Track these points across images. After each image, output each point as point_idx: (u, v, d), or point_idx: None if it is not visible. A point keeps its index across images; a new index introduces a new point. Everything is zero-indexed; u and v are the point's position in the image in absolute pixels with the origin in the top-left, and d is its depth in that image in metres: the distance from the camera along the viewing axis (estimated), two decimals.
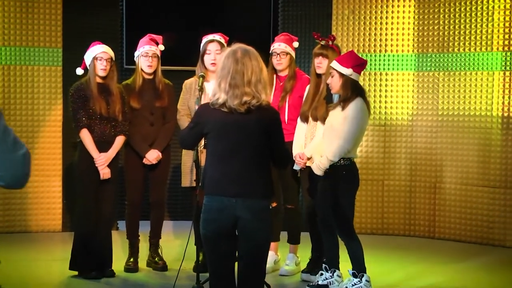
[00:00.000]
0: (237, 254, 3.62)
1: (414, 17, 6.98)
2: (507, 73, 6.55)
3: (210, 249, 3.59)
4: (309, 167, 5.13)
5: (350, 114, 4.67)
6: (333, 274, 4.95)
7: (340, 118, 4.71)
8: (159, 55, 5.57)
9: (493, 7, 6.59)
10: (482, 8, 6.63)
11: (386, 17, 7.02)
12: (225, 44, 5.38)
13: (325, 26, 7.16)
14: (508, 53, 6.54)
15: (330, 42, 5.18)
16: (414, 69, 7.03)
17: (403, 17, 7.00)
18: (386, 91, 7.07)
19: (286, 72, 5.52)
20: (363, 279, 4.79)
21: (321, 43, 5.21)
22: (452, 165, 6.84)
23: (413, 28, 6.99)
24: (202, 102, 5.05)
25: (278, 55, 5.48)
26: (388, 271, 5.69)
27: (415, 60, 7.01)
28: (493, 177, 6.63)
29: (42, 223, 6.90)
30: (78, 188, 5.36)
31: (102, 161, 5.25)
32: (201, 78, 5.19)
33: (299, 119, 5.31)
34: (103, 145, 5.28)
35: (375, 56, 7.04)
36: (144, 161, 5.54)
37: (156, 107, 5.54)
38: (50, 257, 6.03)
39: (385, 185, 7.11)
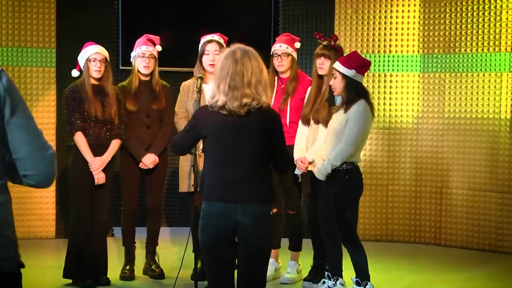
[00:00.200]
0: (236, 261, 3.62)
1: (419, 16, 6.99)
2: None
3: (209, 257, 3.59)
4: (310, 172, 5.13)
5: (352, 117, 4.67)
6: (336, 282, 4.95)
7: (342, 121, 4.72)
8: (156, 56, 5.58)
9: (501, 6, 6.59)
10: (489, 7, 6.64)
11: (391, 17, 7.03)
12: (224, 45, 5.38)
13: (328, 26, 7.17)
14: None
15: (333, 42, 5.18)
16: (419, 70, 7.03)
17: (408, 16, 7.01)
18: (390, 93, 7.07)
19: (288, 74, 5.53)
20: (367, 287, 4.79)
21: (323, 43, 5.21)
22: (459, 170, 6.84)
23: (418, 28, 6.99)
24: (201, 104, 5.07)
25: (279, 57, 5.49)
26: (392, 279, 5.69)
27: (420, 61, 7.02)
28: (502, 182, 6.63)
29: (35, 229, 6.90)
30: (72, 193, 5.36)
31: (97, 165, 5.26)
32: (199, 80, 5.19)
33: (300, 122, 5.31)
34: (98, 149, 5.29)
35: (379, 57, 7.04)
36: (141, 165, 5.54)
37: (153, 109, 5.54)
38: (44, 264, 6.03)
39: (389, 190, 7.11)
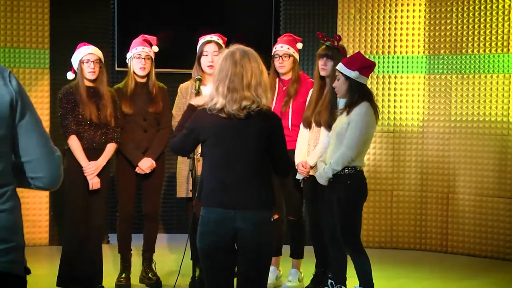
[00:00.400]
0: (236, 269, 3.63)
1: (425, 16, 7.00)
2: None
3: (208, 264, 3.60)
4: (312, 177, 5.14)
5: (353, 119, 4.68)
6: None
7: (344, 124, 4.73)
8: (153, 57, 5.59)
9: (509, 5, 6.60)
10: (497, 6, 6.65)
11: (395, 16, 7.04)
12: (223, 45, 5.39)
13: (330, 26, 7.18)
14: None
15: (335, 43, 5.19)
16: (425, 72, 7.04)
17: (414, 16, 7.02)
18: (395, 95, 7.08)
19: (289, 76, 5.54)
20: None
21: (326, 44, 5.22)
22: (466, 174, 6.85)
23: (424, 28, 7.01)
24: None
25: (281, 58, 5.50)
26: None
27: (426, 62, 7.03)
28: (510, 187, 6.64)
29: (28, 236, 6.90)
30: (66, 199, 5.36)
31: (92, 170, 5.26)
32: (197, 82, 5.20)
33: (301, 125, 5.32)
34: (93, 153, 5.29)
35: (383, 58, 7.06)
36: (137, 170, 5.55)
37: (150, 112, 5.55)
38: (37, 272, 5.98)
39: (394, 196, 7.12)
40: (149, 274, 5.63)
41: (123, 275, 5.58)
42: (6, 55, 6.81)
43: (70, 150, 5.28)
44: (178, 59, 7.32)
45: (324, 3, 7.28)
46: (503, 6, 6.63)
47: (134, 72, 5.56)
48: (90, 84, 5.31)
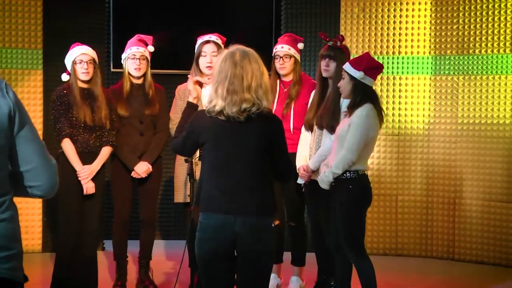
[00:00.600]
0: (235, 277, 3.63)
1: (430, 15, 7.01)
2: None
3: (206, 272, 3.60)
4: (314, 181, 5.14)
5: (354, 121, 4.69)
6: None
7: (346, 126, 4.73)
8: (149, 57, 5.59)
9: None
10: (506, 5, 6.66)
11: (400, 16, 7.05)
12: (222, 46, 5.40)
13: (333, 26, 7.18)
14: None
15: (338, 43, 5.20)
16: (431, 73, 7.05)
17: (419, 16, 7.03)
18: (400, 96, 7.09)
19: (291, 77, 5.55)
20: None
21: (328, 44, 5.23)
22: (473, 179, 6.85)
23: (430, 27, 7.01)
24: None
25: (281, 59, 5.51)
26: None
27: (432, 62, 7.03)
28: None
29: None
30: (59, 204, 5.36)
31: (86, 174, 5.27)
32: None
33: (303, 128, 5.33)
34: (87, 157, 5.30)
35: (387, 58, 7.06)
36: (133, 174, 5.55)
37: (146, 115, 5.56)
38: (30, 280, 6.02)
39: (399, 201, 7.12)
40: (146, 282, 5.62)
41: (119, 283, 5.58)
42: None
43: (64, 154, 5.28)
44: (175, 59, 7.33)
45: (326, 2, 7.29)
46: None
47: (129, 73, 5.57)
48: (84, 86, 5.32)
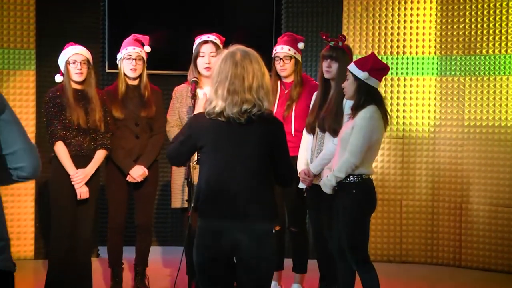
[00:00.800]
0: (235, 284, 3.62)
1: (436, 14, 7.01)
2: None
3: (205, 279, 3.60)
4: (316, 185, 5.13)
5: (357, 124, 4.69)
6: None
7: (349, 128, 4.73)
8: (145, 58, 5.60)
9: None
10: None
11: (405, 15, 7.05)
12: (221, 46, 5.40)
13: (335, 25, 7.19)
14: None
15: (340, 43, 5.20)
16: (437, 74, 7.05)
17: (424, 14, 7.03)
18: (404, 98, 7.09)
19: (292, 78, 5.55)
20: None
21: (330, 44, 5.23)
22: (480, 183, 6.85)
23: (435, 27, 7.01)
24: (195, 111, 5.08)
25: (281, 60, 5.51)
26: None
27: (437, 63, 7.03)
28: None
29: (12, 249, 6.83)
30: (52, 209, 5.36)
31: (80, 178, 5.26)
32: (194, 84, 5.21)
33: (304, 131, 5.33)
34: (81, 160, 5.29)
35: (391, 58, 7.06)
36: (128, 178, 5.55)
37: (142, 117, 5.56)
38: None
39: (403, 206, 7.12)
40: None
41: None
42: None
43: (57, 158, 5.28)
44: (172, 60, 7.33)
45: (328, 1, 7.29)
46: None
47: (124, 74, 5.57)
48: (78, 87, 5.32)
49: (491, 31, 6.77)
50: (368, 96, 4.73)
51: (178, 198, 5.43)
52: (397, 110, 7.07)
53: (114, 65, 6.12)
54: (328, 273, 5.33)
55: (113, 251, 5.65)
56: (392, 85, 7.09)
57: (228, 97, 3.50)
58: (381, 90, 6.91)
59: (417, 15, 7.03)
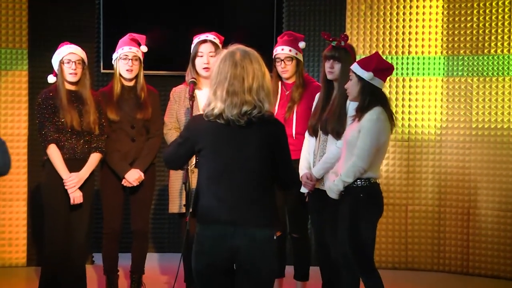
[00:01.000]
0: None
1: (443, 13, 7.01)
2: None
3: (203, 287, 3.58)
4: (318, 190, 5.13)
5: (364, 126, 4.68)
6: None
7: (355, 131, 4.73)
8: (141, 58, 5.60)
9: None
10: None
11: (410, 13, 7.05)
12: (220, 45, 5.40)
13: (338, 24, 7.19)
14: None
15: (342, 43, 5.19)
16: (443, 74, 7.05)
17: (430, 13, 7.03)
18: (410, 100, 7.09)
19: (293, 79, 5.54)
20: None
21: (332, 44, 5.23)
22: (488, 188, 6.85)
23: (442, 26, 7.01)
24: (194, 113, 5.08)
25: (283, 62, 5.51)
26: None
27: (444, 63, 7.03)
28: None
29: (3, 256, 6.89)
30: (45, 215, 5.35)
31: (73, 182, 5.26)
32: (192, 85, 5.21)
33: (307, 133, 5.33)
34: (75, 164, 5.29)
35: (396, 58, 7.06)
36: (124, 182, 5.55)
37: (138, 119, 5.56)
38: None
39: (409, 211, 7.11)
40: None
41: None
42: None
43: (49, 161, 5.28)
44: (170, 60, 7.33)
45: None
46: None
47: (120, 75, 5.57)
48: (72, 88, 5.32)
49: (499, 30, 6.77)
50: (373, 97, 4.73)
51: (176, 203, 5.43)
52: (402, 112, 7.07)
53: (109, 65, 6.12)
54: (331, 281, 5.32)
55: (108, 257, 5.65)
56: (397, 86, 7.09)
57: (228, 99, 3.50)
58: (386, 91, 6.91)
59: (423, 13, 7.03)
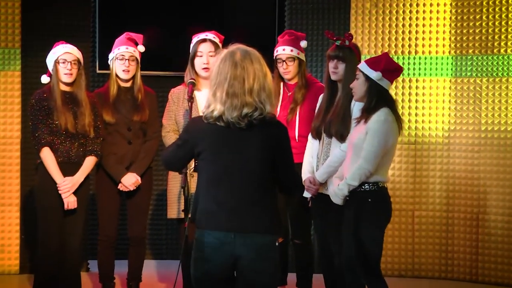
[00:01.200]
0: None
1: (451, 11, 7.01)
2: None
3: None
4: (321, 194, 5.13)
5: (371, 128, 4.69)
6: None
7: (361, 133, 4.73)
8: (139, 58, 5.61)
9: None
10: None
11: (417, 11, 7.05)
12: (220, 45, 5.41)
13: (342, 23, 7.19)
14: None
15: (347, 42, 5.20)
16: (451, 75, 7.05)
17: (438, 11, 7.03)
18: (416, 101, 7.09)
19: (296, 80, 5.55)
20: None
21: (336, 43, 5.23)
22: (498, 192, 6.84)
23: (450, 25, 7.01)
24: (193, 115, 5.08)
25: (284, 62, 5.51)
26: None
27: (452, 63, 7.03)
28: None
29: None
30: (39, 220, 5.36)
31: (67, 187, 5.26)
32: (191, 86, 5.21)
33: (310, 136, 5.33)
34: (69, 168, 5.29)
35: (403, 58, 7.06)
36: (120, 187, 5.55)
37: (135, 121, 5.57)
38: None
39: (415, 217, 7.11)
40: None
41: None
42: None
43: (43, 165, 5.28)
44: (168, 60, 7.33)
45: None
46: None
47: (117, 75, 5.58)
48: (67, 89, 5.32)
49: (509, 29, 6.77)
50: (380, 98, 4.73)
51: (174, 208, 5.44)
52: (409, 114, 7.06)
53: (105, 65, 6.12)
54: None
55: (104, 265, 5.65)
56: (403, 87, 7.09)
57: (227, 101, 3.51)
58: (392, 92, 6.92)
59: (431, 11, 7.03)
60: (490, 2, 6.84)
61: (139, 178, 5.55)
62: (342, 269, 4.97)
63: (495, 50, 6.85)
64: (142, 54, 5.64)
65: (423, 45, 7.05)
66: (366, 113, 4.74)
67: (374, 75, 4.72)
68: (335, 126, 5.10)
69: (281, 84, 5.58)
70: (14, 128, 6.84)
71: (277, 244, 3.61)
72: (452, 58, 7.03)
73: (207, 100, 3.59)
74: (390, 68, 4.76)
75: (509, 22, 6.78)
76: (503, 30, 6.80)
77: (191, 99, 5.13)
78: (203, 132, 3.58)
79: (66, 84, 5.31)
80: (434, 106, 7.07)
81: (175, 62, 6.90)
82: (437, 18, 7.03)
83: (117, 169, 5.54)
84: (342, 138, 5.02)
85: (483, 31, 6.88)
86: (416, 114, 7.08)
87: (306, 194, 5.28)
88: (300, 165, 5.26)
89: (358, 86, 4.79)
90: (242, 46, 3.59)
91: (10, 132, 6.85)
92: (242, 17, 7.54)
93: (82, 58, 5.41)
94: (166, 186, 5.54)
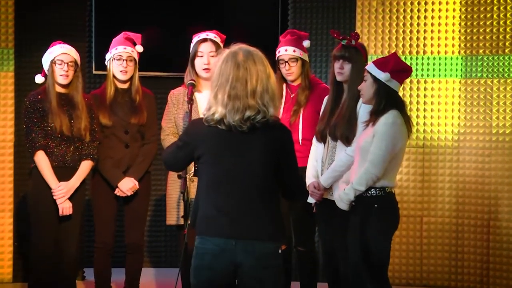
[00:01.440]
0: None
1: (460, 9, 7.01)
2: None
3: None
4: (326, 200, 5.13)
5: (378, 131, 4.69)
6: None
7: (369, 136, 4.73)
8: (137, 58, 5.61)
9: None
10: None
11: (425, 10, 7.05)
12: (221, 45, 5.41)
13: (348, 22, 7.19)
14: None
15: (353, 42, 5.21)
16: (461, 75, 7.05)
17: (447, 10, 7.03)
18: (425, 103, 7.09)
19: (299, 81, 5.55)
20: None
21: (342, 43, 5.24)
22: (510, 198, 6.84)
23: (460, 24, 7.02)
24: (193, 117, 5.09)
25: (287, 63, 5.51)
26: None
27: (462, 64, 7.03)
28: None
29: None
30: (33, 227, 5.36)
31: (62, 192, 5.27)
32: (191, 87, 5.22)
33: (314, 139, 5.33)
34: (64, 172, 5.30)
35: (411, 59, 7.07)
36: (117, 192, 5.55)
37: (132, 124, 5.57)
38: None
39: (424, 223, 7.11)
40: None
41: None
42: None
43: (37, 169, 5.29)
44: (167, 61, 7.33)
45: None
46: None
47: (114, 76, 5.59)
48: (62, 90, 5.33)
49: None
50: (389, 100, 4.73)
51: (174, 214, 5.44)
52: (417, 116, 7.06)
53: (102, 66, 6.14)
54: None
55: (101, 273, 5.65)
56: (411, 88, 7.09)
57: (229, 103, 3.51)
58: (399, 93, 6.92)
59: (439, 10, 7.03)
60: (501, 1, 6.84)
61: (136, 183, 5.55)
62: (347, 276, 4.98)
63: (506, 50, 6.85)
64: (140, 54, 5.65)
65: (431, 45, 7.05)
66: (375, 116, 4.74)
67: (383, 76, 4.72)
68: (341, 129, 5.10)
69: (284, 85, 5.58)
70: (7, 131, 6.84)
71: (280, 251, 3.62)
72: (461, 58, 7.03)
73: (208, 102, 3.59)
74: (399, 68, 4.76)
75: None
76: None
77: (191, 101, 5.14)
78: (204, 135, 3.59)
79: (62, 85, 5.32)
80: (443, 108, 7.07)
81: (175, 63, 6.91)
82: (446, 17, 7.04)
83: (114, 174, 5.55)
84: (347, 141, 5.03)
85: (494, 30, 6.88)
86: (424, 117, 7.08)
87: (310, 200, 5.29)
88: (304, 169, 5.26)
89: (366, 88, 4.79)
90: (245, 46, 3.60)
91: (3, 135, 6.85)
92: (243, 17, 7.54)
93: (79, 59, 5.42)
94: (165, 191, 5.55)
